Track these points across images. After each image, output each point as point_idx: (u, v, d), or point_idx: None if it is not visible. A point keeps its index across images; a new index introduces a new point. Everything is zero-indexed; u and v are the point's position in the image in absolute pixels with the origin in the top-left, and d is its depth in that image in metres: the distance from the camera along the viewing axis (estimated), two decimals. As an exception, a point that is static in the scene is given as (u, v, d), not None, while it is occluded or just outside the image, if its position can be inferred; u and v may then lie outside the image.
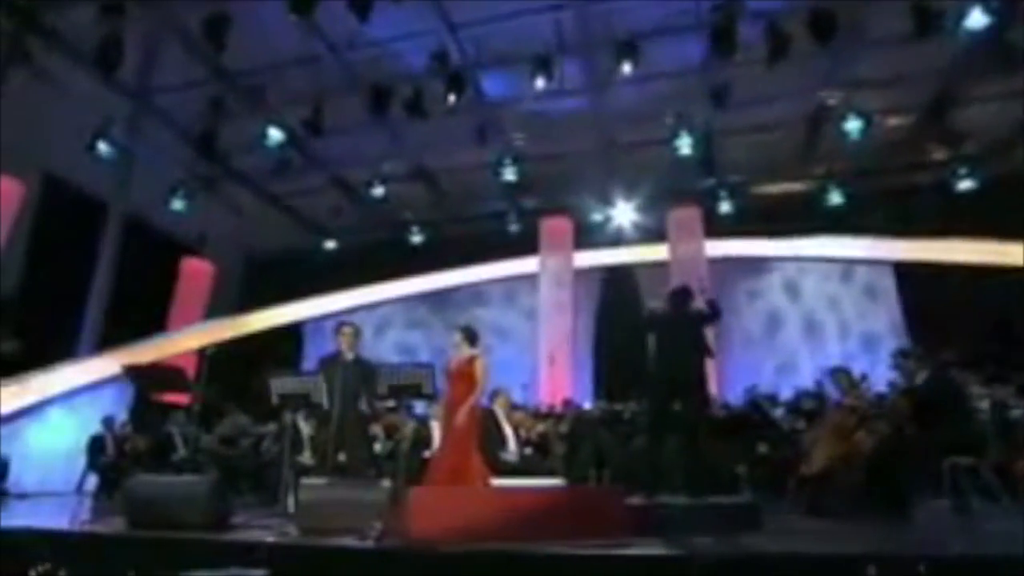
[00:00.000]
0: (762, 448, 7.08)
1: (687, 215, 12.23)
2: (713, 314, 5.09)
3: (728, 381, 10.72)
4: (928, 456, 4.66)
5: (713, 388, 10.03)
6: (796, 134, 11.24)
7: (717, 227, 12.06)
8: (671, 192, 12.01)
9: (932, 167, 11.50)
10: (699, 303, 5.21)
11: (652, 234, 12.30)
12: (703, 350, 5.00)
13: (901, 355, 5.32)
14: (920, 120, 10.80)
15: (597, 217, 12.64)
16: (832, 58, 9.13)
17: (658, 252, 12.19)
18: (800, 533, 4.18)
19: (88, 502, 7.68)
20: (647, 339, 5.17)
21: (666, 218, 12.24)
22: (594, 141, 11.36)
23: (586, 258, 12.79)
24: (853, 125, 9.71)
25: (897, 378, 5.59)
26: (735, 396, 9.03)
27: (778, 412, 7.49)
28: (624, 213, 12.45)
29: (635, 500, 4.24)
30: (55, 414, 10.09)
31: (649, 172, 11.56)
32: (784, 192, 12.30)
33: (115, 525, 4.11)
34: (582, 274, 12.70)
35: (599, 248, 12.70)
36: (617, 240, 12.53)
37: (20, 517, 5.76)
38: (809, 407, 6.69)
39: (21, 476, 8.83)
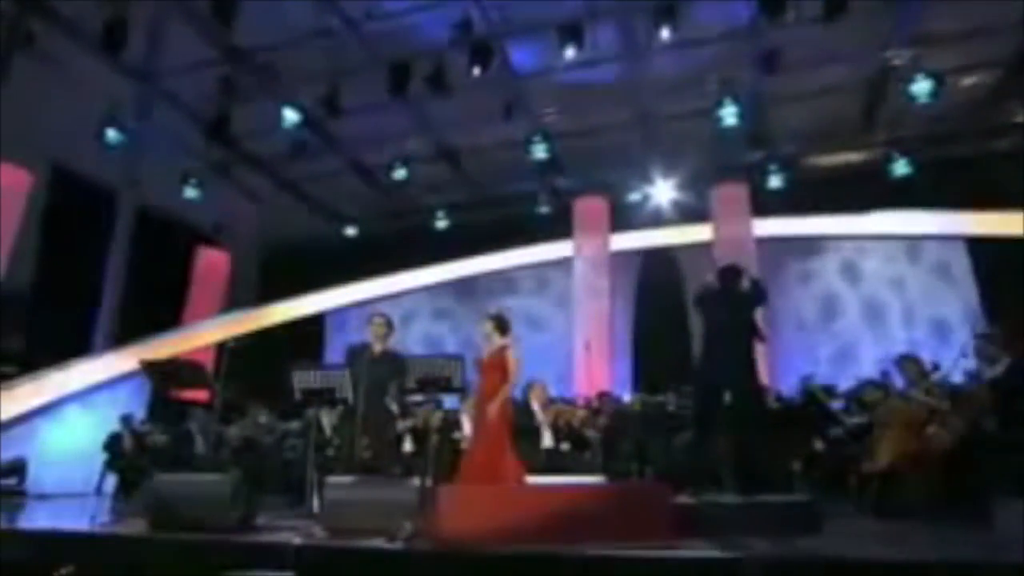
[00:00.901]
0: (819, 443, 6.98)
1: (733, 192, 12.06)
2: (760, 295, 5.03)
3: (780, 370, 10.60)
4: (1010, 453, 4.50)
5: (764, 378, 10.03)
6: (856, 99, 10.95)
7: (766, 204, 11.88)
8: (715, 167, 11.89)
9: (1014, 131, 11.06)
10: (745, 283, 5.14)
11: (694, 213, 12.18)
12: (754, 333, 4.97)
13: (981, 339, 5.13)
14: (1000, 78, 10.37)
15: (634, 196, 12.59)
16: (896, 13, 8.83)
17: (701, 233, 12.07)
18: (864, 536, 4.12)
19: (108, 503, 7.90)
20: (691, 322, 5.12)
21: (710, 196, 12.12)
22: (630, 114, 11.22)
23: (623, 240, 12.75)
24: (921, 87, 9.34)
25: (974, 366, 5.39)
26: (788, 387, 8.89)
27: (837, 404, 7.34)
28: (664, 191, 12.37)
29: (681, 499, 4.23)
30: (71, 412, 10.36)
31: (691, 146, 11.41)
32: (843, 163, 12.00)
33: (136, 526, 4.20)
34: (619, 258, 12.67)
35: (637, 230, 12.65)
36: (656, 220, 12.46)
37: (41, 519, 5.95)
38: (872, 398, 6.54)
39: (39, 477, 9.09)
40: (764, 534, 3.65)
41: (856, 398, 7.18)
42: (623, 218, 12.68)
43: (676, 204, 12.36)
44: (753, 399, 4.93)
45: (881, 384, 7.15)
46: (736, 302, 5.02)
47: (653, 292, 12.55)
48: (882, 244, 11.85)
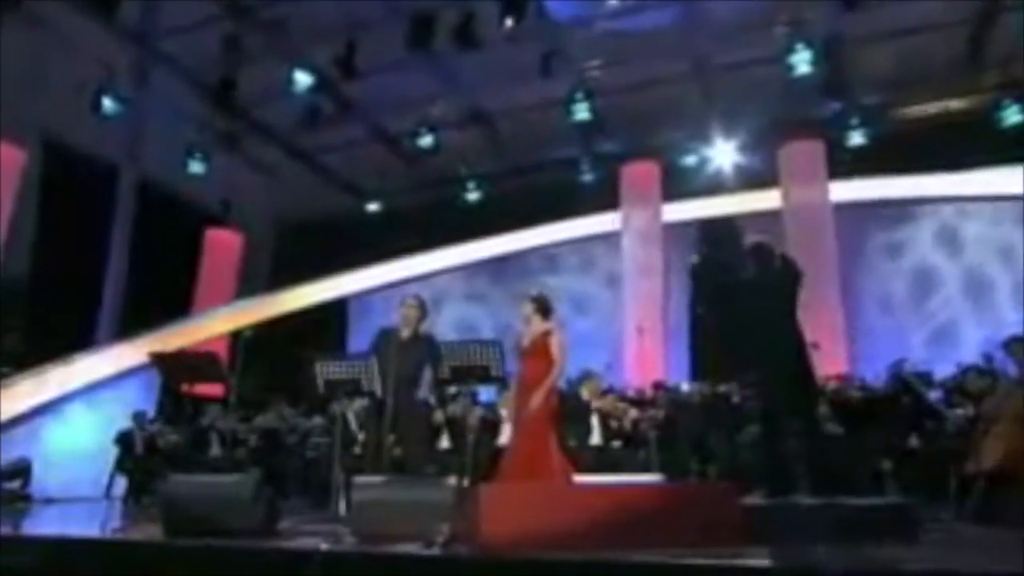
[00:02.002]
0: (913, 439, 6.88)
1: (805, 151, 11.81)
2: (798, 273, 4.92)
3: (865, 357, 10.42)
4: None
5: (843, 365, 9.82)
6: (956, 35, 10.60)
7: (846, 164, 11.62)
8: (784, 123, 11.70)
9: None
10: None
11: (760, 178, 11.97)
12: (795, 319, 4.86)
13: None
14: None
15: (690, 160, 12.48)
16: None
17: (767, 199, 11.85)
18: (966, 546, 4.05)
19: (118, 507, 8.14)
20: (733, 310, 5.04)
21: (778, 156, 11.91)
22: (686, 64, 11.14)
23: (677, 210, 12.62)
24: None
25: None
26: (875, 374, 8.71)
27: (934, 394, 7.21)
28: (724, 153, 12.20)
29: (751, 500, 4.20)
30: (75, 410, 10.63)
31: (756, 99, 11.18)
32: (940, 113, 11.61)
33: (150, 532, 4.29)
34: (673, 230, 12.51)
35: (694, 198, 12.49)
36: (716, 186, 12.30)
37: (48, 524, 6.10)
38: (977, 388, 6.36)
39: (43, 480, 9.32)
40: (847, 542, 3.58)
41: (957, 387, 7.08)
42: (677, 185, 12.58)
43: (739, 167, 12.17)
44: (807, 388, 4.88)
45: (987, 371, 7.02)
46: (777, 285, 4.91)
47: (713, 268, 12.23)
48: (988, 206, 11.36)
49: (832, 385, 8.10)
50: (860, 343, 10.77)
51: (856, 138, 11.58)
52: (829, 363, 8.47)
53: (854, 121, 11.55)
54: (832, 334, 10.21)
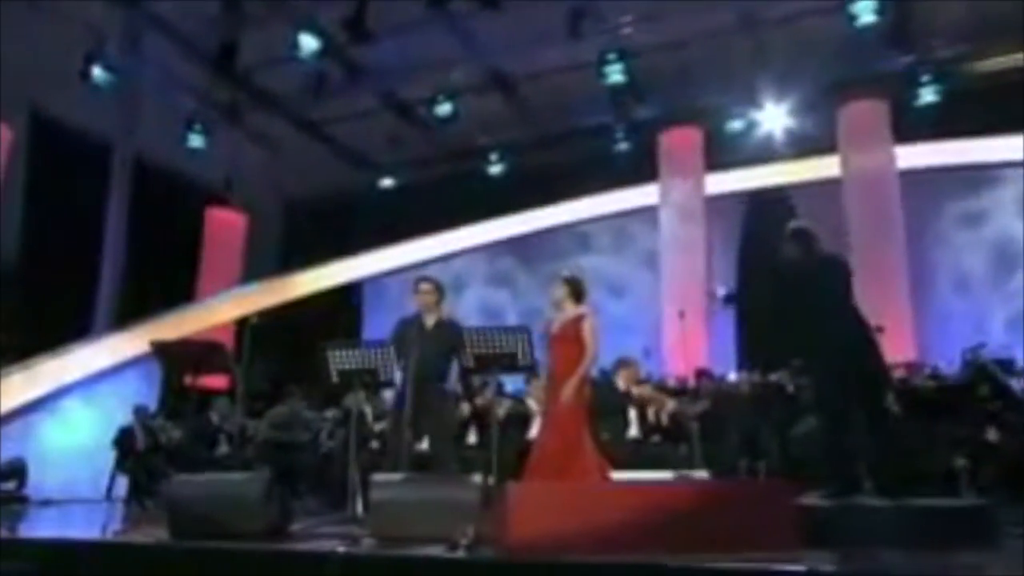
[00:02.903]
0: (992, 433, 6.77)
1: (869, 111, 11.66)
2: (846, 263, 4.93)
3: (936, 341, 10.39)
4: None
5: (912, 351, 9.62)
6: None
7: (914, 126, 11.44)
8: (843, 82, 11.55)
9: None
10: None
11: (815, 143, 11.88)
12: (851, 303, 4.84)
13: None
14: None
15: (736, 125, 12.39)
16: None
17: (825, 167, 11.77)
18: None
19: (120, 509, 8.28)
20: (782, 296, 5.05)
21: (837, 118, 11.75)
22: (732, 17, 10.95)
23: (722, 181, 12.57)
24: None
25: None
26: (948, 361, 8.65)
27: (1015, 383, 7.15)
28: (775, 116, 12.12)
29: (808, 500, 4.18)
30: (71, 406, 10.76)
31: (812, 55, 11.04)
32: (1021, 67, 11.33)
33: (155, 535, 4.35)
34: (718, 203, 12.52)
35: (741, 167, 12.45)
36: (766, 154, 12.24)
37: (47, 527, 6.21)
38: None
39: (39, 480, 9.46)
40: (918, 548, 3.55)
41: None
42: (722, 153, 12.48)
43: (791, 132, 12.09)
44: (879, 375, 4.86)
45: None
46: (827, 271, 4.88)
47: (762, 245, 11.98)
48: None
49: (899, 374, 8.00)
50: (931, 326, 10.76)
51: (926, 96, 11.43)
52: (896, 349, 8.32)
53: (924, 77, 11.41)
54: (899, 317, 10.11)
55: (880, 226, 10.72)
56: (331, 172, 14.35)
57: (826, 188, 11.49)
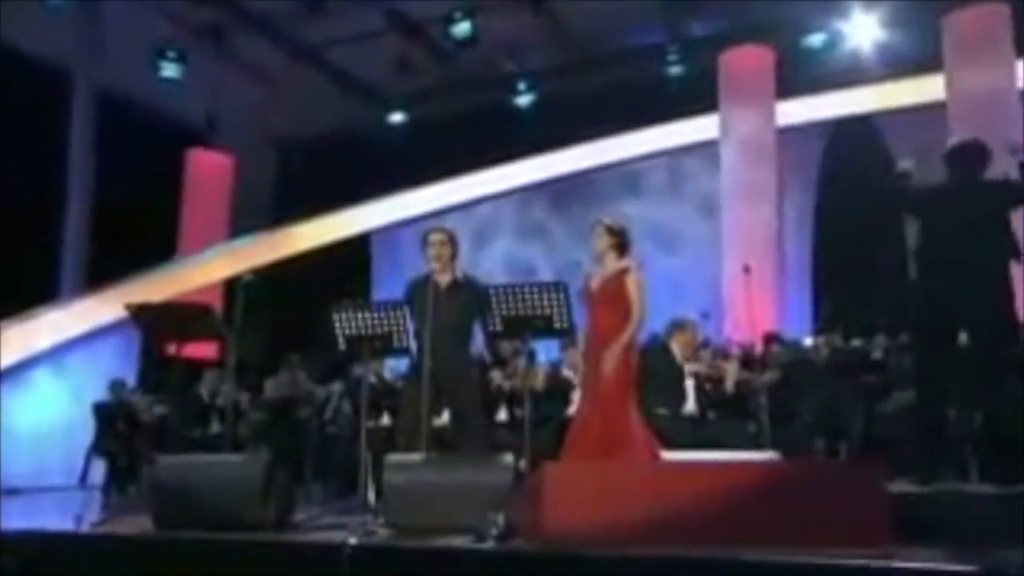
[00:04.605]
0: None
1: (981, 19, 11.19)
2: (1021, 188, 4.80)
3: None
4: None
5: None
6: None
7: None
8: None
9: None
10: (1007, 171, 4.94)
11: (913, 61, 11.65)
12: (1008, 248, 4.82)
13: None
14: None
15: (815, 40, 12.26)
16: None
17: (926, 89, 11.45)
18: None
19: (98, 497, 8.37)
20: (905, 229, 4.95)
21: (941, 28, 11.38)
22: None
23: (797, 110, 12.40)
24: None
25: None
26: None
27: None
28: (864, 28, 11.92)
29: (900, 486, 4.21)
30: (39, 379, 10.97)
31: None
32: None
33: (138, 525, 4.42)
34: (791, 137, 12.35)
35: (820, 91, 12.30)
36: (851, 76, 12.04)
37: (15, 517, 6.16)
38: None
39: (6, 465, 9.59)
40: None
41: None
42: (797, 76, 12.37)
43: (884, 47, 11.91)
44: (1006, 344, 4.81)
45: None
46: (980, 200, 4.86)
47: (845, 187, 12.15)
48: None
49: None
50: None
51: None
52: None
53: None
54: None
55: (997, 159, 10.41)
56: (331, 106, 14.29)
57: (925, 115, 11.17)
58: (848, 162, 12.24)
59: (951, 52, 11.22)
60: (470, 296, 5.27)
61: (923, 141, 10.19)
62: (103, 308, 11.10)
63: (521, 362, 7.31)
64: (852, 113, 12.21)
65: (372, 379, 7.34)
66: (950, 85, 11.12)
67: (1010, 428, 4.61)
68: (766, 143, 12.12)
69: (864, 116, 12.17)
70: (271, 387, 9.27)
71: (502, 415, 7.61)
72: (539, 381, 7.28)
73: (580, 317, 5.05)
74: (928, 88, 11.40)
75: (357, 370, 7.09)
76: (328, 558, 3.51)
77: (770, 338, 9.10)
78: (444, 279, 5.37)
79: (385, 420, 7.53)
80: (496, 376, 7.57)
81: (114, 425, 9.54)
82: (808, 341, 9.56)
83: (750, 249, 11.26)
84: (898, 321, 7.64)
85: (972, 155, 4.98)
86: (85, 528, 4.81)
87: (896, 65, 11.81)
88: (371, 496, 5.05)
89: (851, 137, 12.29)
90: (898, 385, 6.99)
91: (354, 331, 4.92)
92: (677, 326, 7.19)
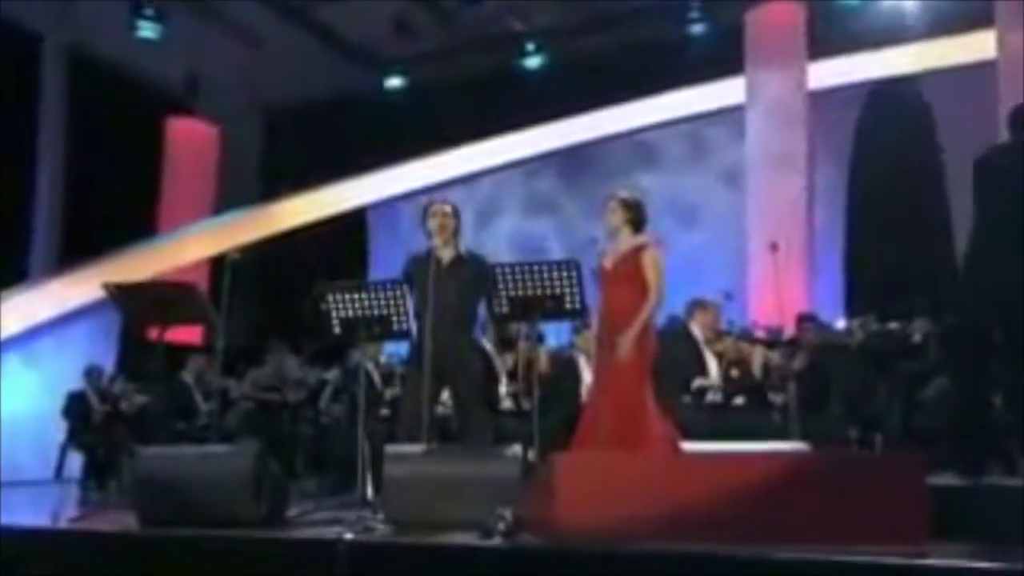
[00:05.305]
0: None
1: None
2: None
3: None
4: None
5: None
6: None
7: None
8: None
9: None
10: None
11: (960, 17, 11.54)
12: None
13: None
14: None
15: None
16: None
17: (973, 48, 11.35)
18: None
19: (75, 492, 8.46)
20: (953, 204, 4.91)
21: None
22: None
23: (831, 72, 12.37)
24: None
25: None
26: None
27: None
28: None
29: (941, 480, 4.18)
30: (8, 367, 10.88)
31: None
32: None
33: (120, 522, 4.46)
34: (824, 102, 12.32)
35: (856, 51, 12.25)
36: (890, 34, 12.00)
37: None
38: None
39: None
40: None
41: None
42: (831, 35, 12.30)
43: (926, 2, 11.88)
44: None
45: None
46: None
47: (883, 156, 12.15)
48: None
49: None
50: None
51: None
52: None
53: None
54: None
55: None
56: (324, 70, 14.27)
57: (972, 76, 11.04)
58: (886, 129, 12.20)
59: (1003, 10, 10.98)
60: (475, 273, 5.27)
61: (969, 105, 10.18)
62: (76, 289, 11.04)
63: (531, 344, 7.38)
64: (891, 75, 12.19)
65: (370, 366, 7.42)
66: (1001, 42, 10.89)
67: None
68: (796, 109, 12.06)
69: (904, 78, 12.13)
70: (257, 374, 9.32)
71: (508, 402, 7.62)
72: (547, 366, 7.30)
73: (593, 298, 5.08)
74: (976, 46, 11.27)
75: (355, 355, 7.12)
76: (323, 556, 3.55)
77: (804, 319, 9.08)
78: (447, 254, 5.37)
79: (384, 409, 7.54)
80: (501, 363, 7.58)
81: (91, 415, 9.56)
82: (841, 324, 9.63)
83: (777, 224, 11.23)
84: (940, 303, 7.65)
85: None
86: (63, 524, 4.84)
87: (940, 22, 11.72)
88: (369, 490, 5.09)
89: (889, 101, 12.25)
90: (939, 372, 7.00)
91: (349, 313, 4.91)
92: (698, 307, 7.22)
